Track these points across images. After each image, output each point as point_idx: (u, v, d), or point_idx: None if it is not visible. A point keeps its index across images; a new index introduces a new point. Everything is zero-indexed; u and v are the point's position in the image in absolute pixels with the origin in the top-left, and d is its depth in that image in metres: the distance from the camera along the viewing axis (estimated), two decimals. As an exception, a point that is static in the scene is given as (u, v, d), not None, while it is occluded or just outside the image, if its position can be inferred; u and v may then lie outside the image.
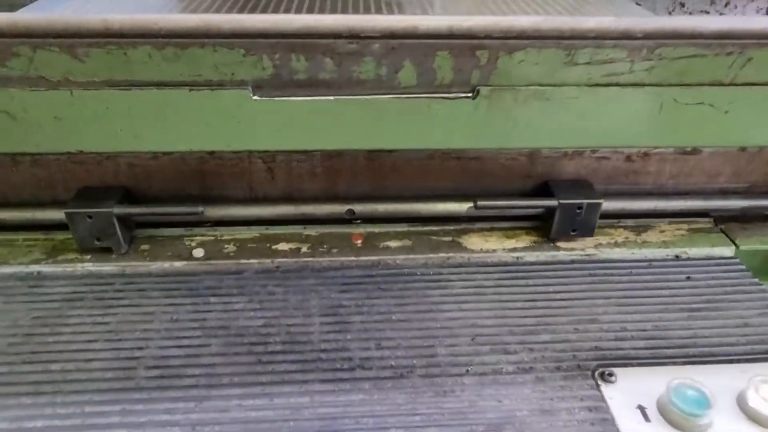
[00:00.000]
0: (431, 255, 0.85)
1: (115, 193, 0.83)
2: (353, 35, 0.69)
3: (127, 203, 0.84)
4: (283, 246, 0.87)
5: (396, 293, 0.79)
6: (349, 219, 0.89)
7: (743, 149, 0.90)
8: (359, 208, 0.88)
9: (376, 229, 0.90)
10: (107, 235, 0.81)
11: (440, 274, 0.83)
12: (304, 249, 0.86)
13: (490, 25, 0.69)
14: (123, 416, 0.62)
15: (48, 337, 0.71)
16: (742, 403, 0.64)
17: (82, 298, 0.77)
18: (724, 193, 0.94)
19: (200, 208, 0.84)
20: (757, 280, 0.82)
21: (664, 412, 0.63)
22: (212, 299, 0.77)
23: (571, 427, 0.61)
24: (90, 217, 0.79)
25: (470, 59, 0.72)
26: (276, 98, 0.74)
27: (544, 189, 0.90)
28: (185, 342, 0.71)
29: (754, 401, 0.63)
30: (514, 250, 0.87)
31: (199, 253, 0.85)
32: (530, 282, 0.81)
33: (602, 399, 0.64)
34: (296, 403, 0.63)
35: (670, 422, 0.62)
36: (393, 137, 0.79)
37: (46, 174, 0.85)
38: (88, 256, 0.84)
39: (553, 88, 0.75)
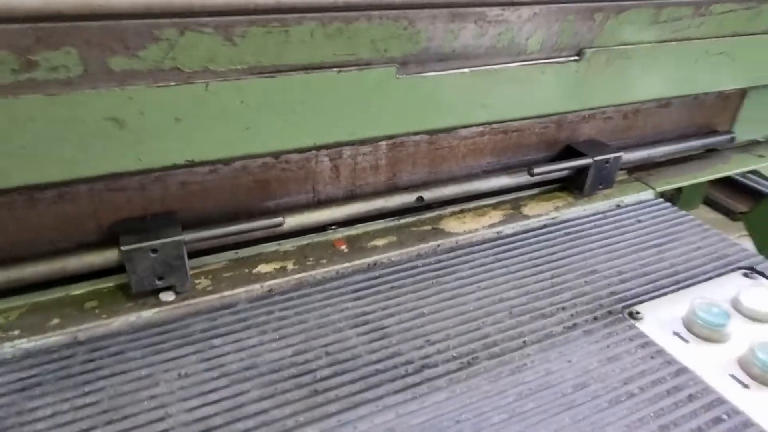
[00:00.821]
0: (422, 245, 0.82)
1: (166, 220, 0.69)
2: (507, 2, 0.70)
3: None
4: (264, 268, 0.76)
5: (411, 288, 0.74)
6: (418, 207, 0.87)
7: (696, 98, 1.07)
8: (427, 194, 0.86)
9: (353, 231, 0.84)
10: (173, 270, 0.65)
11: (440, 261, 0.80)
12: (291, 266, 0.76)
13: None
14: (190, 503, 0.47)
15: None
16: (737, 306, 0.74)
17: (40, 382, 0.58)
18: (699, 135, 1.11)
19: (281, 219, 0.74)
20: (684, 211, 0.95)
21: (693, 329, 0.70)
22: (216, 341, 0.64)
23: (640, 365, 0.64)
24: (155, 251, 0.62)
25: (587, 22, 0.78)
26: (420, 74, 0.71)
27: (569, 151, 0.97)
28: (214, 396, 0.57)
29: (747, 302, 0.73)
30: (492, 226, 0.88)
31: (168, 296, 0.70)
32: (522, 251, 0.83)
33: (644, 334, 0.69)
34: (383, 422, 0.56)
35: (702, 337, 0.69)
36: (508, 107, 0.81)
37: (74, 209, 0.65)
38: (16, 332, 0.63)
39: (636, 46, 0.84)
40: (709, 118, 1.14)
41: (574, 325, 0.70)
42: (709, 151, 1.18)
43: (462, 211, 0.91)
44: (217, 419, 0.55)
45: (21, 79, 0.51)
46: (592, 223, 0.91)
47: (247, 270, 0.75)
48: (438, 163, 0.88)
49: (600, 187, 0.97)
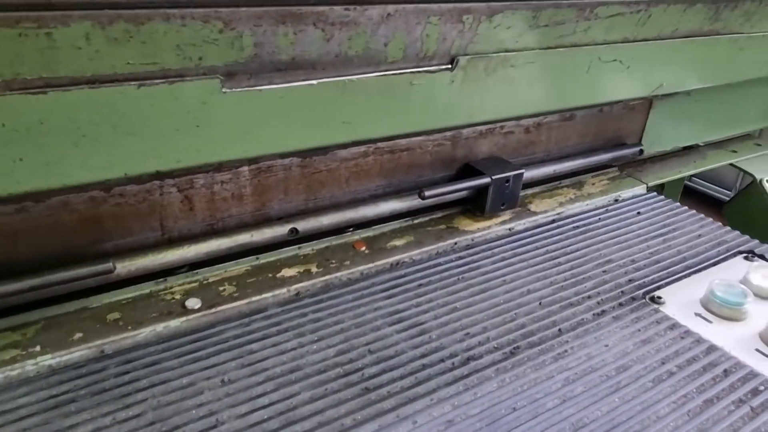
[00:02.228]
0: (440, 243, 0.83)
1: None
2: (351, 1, 0.62)
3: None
4: (288, 272, 0.74)
5: (439, 284, 0.74)
6: (293, 239, 0.76)
7: (601, 110, 1.05)
8: (302, 225, 0.75)
9: (371, 233, 0.84)
10: None
11: (461, 258, 0.80)
12: (314, 269, 0.75)
13: None
14: None
15: (62, 461, 0.48)
16: (747, 284, 0.77)
17: (73, 399, 0.54)
18: (609, 148, 1.11)
19: (109, 264, 0.62)
20: (678, 203, 1.00)
21: (713, 309, 0.72)
22: (254, 346, 0.62)
23: (672, 345, 0.66)
24: None
25: (456, 25, 0.71)
26: (252, 88, 0.61)
27: (468, 170, 0.90)
28: (264, 400, 0.55)
29: (757, 281, 0.77)
30: (503, 223, 0.89)
31: (194, 303, 0.67)
32: (537, 245, 0.85)
33: (669, 317, 0.71)
34: (441, 414, 0.55)
35: (723, 316, 0.72)
36: (373, 124, 0.73)
37: None
38: (37, 348, 0.59)
39: (517, 53, 0.80)
40: (616, 131, 1.10)
41: (603, 312, 0.71)
42: (686, 149, 1.24)
43: (446, 216, 0.92)
44: (272, 423, 0.53)
45: None
46: (597, 217, 0.94)
47: (270, 275, 0.73)
48: (316, 189, 0.78)
49: (502, 207, 0.90)
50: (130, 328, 0.63)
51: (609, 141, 1.11)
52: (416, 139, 0.84)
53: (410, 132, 0.80)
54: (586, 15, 0.82)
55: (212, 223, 0.73)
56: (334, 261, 0.77)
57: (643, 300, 0.74)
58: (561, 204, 0.96)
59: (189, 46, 0.55)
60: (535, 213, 0.93)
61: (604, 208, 0.97)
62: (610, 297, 0.74)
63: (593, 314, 0.70)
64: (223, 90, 0.59)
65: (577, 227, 0.90)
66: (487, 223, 0.88)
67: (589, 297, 0.74)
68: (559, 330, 0.67)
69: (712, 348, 0.66)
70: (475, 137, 0.91)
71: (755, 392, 0.60)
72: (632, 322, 0.69)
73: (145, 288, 0.68)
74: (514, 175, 0.89)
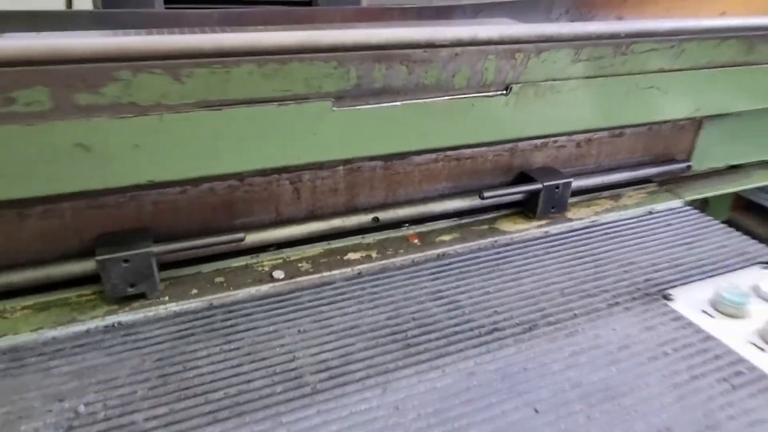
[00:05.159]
0: (482, 240, 0.97)
1: (141, 235, 0.79)
2: (428, 45, 0.80)
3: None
4: (353, 255, 0.91)
5: (476, 273, 0.89)
6: (374, 227, 0.96)
7: (650, 128, 1.18)
8: (382, 215, 0.96)
9: (423, 228, 0.99)
10: (144, 278, 0.77)
11: (498, 253, 0.94)
12: (374, 255, 0.92)
13: (526, 32, 0.86)
14: (324, 415, 0.62)
15: (186, 372, 0.67)
16: (757, 290, 0.86)
17: (192, 333, 0.73)
18: (657, 163, 1.22)
19: (242, 235, 0.84)
20: (710, 217, 1.08)
21: (718, 308, 0.82)
22: (323, 308, 0.79)
23: (672, 333, 0.77)
24: (126, 261, 0.75)
25: (509, 61, 0.87)
26: (353, 108, 0.81)
27: (523, 177, 1.06)
28: (329, 346, 0.72)
29: (766, 287, 0.86)
30: (540, 226, 1.03)
31: (279, 274, 0.85)
32: (568, 246, 0.97)
33: (676, 311, 0.82)
34: (465, 367, 0.70)
35: (727, 313, 0.81)
36: (442, 136, 0.90)
37: (60, 224, 0.78)
38: (166, 298, 0.79)
39: (562, 81, 0.94)
40: (666, 147, 1.21)
41: (617, 303, 0.83)
42: (735, 167, 1.31)
43: (507, 217, 1.06)
44: (333, 362, 0.70)
45: (2, 111, 0.63)
46: (628, 226, 1.05)
47: (338, 257, 0.91)
48: (394, 187, 0.98)
49: (553, 210, 1.04)
50: (231, 288, 0.82)
51: (659, 157, 1.22)
52: (478, 149, 1.02)
53: (472, 143, 0.99)
54: (623, 51, 0.95)
55: (313, 210, 0.94)
56: (390, 249, 0.93)
57: (656, 296, 0.85)
58: (596, 213, 1.08)
59: (313, 78, 0.75)
60: (571, 219, 1.05)
61: (638, 218, 1.07)
62: (626, 292, 0.86)
63: (607, 304, 0.83)
64: (333, 109, 0.79)
65: (608, 234, 1.02)
66: (526, 225, 1.02)
67: (606, 291, 0.86)
68: (575, 314, 0.80)
69: (708, 338, 0.76)
70: (531, 149, 1.07)
71: (738, 374, 0.70)
72: (641, 312, 0.81)
73: (242, 261, 0.88)
74: (563, 183, 1.04)
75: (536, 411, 0.64)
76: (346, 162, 0.93)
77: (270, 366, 0.69)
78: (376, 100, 0.82)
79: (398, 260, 0.91)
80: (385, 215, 0.96)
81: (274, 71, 0.73)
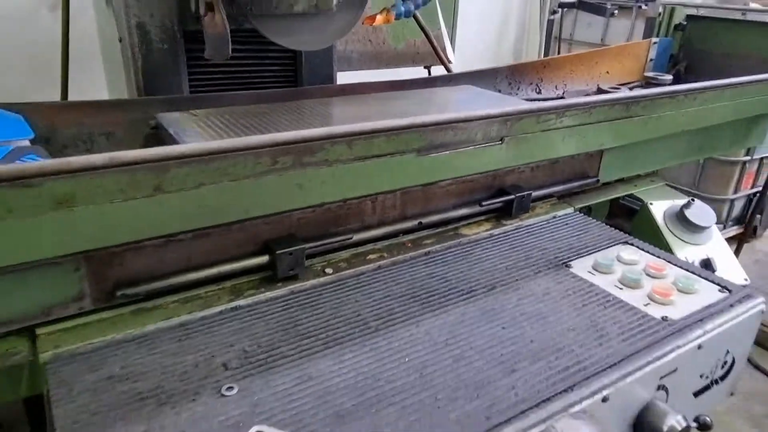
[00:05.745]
0: (451, 242, 1.48)
1: (293, 237, 1.25)
2: (464, 120, 1.32)
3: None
4: (371, 256, 1.39)
5: (452, 261, 1.39)
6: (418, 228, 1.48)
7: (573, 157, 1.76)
8: (424, 220, 1.48)
9: (412, 236, 1.49)
10: (298, 265, 1.23)
11: (464, 248, 1.45)
12: (386, 255, 1.39)
13: (509, 110, 1.40)
14: (387, 341, 1.09)
15: (308, 323, 1.11)
16: (620, 257, 1.42)
17: (310, 300, 1.18)
18: (578, 179, 1.79)
19: (351, 235, 1.34)
20: (592, 218, 1.66)
21: (597, 269, 1.37)
22: (366, 286, 1.26)
23: (572, 283, 1.30)
24: (290, 254, 1.20)
25: (504, 125, 1.41)
26: (428, 155, 1.30)
27: (499, 192, 1.60)
28: (377, 305, 1.19)
29: (625, 254, 1.42)
30: (487, 230, 1.55)
31: (330, 270, 1.31)
32: (504, 241, 1.50)
33: (574, 273, 1.36)
34: (458, 311, 1.19)
35: (601, 271, 1.37)
36: (454, 172, 1.44)
37: (243, 236, 1.21)
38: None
39: (532, 134, 1.49)
40: (583, 168, 1.81)
41: (539, 271, 1.36)
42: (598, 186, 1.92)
43: (468, 225, 1.58)
44: (383, 314, 1.16)
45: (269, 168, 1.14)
46: (542, 227, 1.60)
47: (363, 257, 1.38)
48: (429, 202, 1.50)
49: (521, 213, 1.62)
50: (331, 272, 1.27)
51: (579, 175, 1.80)
52: (476, 176, 1.53)
53: (475, 173, 1.50)
54: (561, 115, 1.51)
55: (381, 219, 1.41)
56: (393, 252, 1.42)
57: (561, 266, 1.39)
58: (521, 219, 1.62)
59: (404, 142, 1.23)
60: (504, 224, 1.59)
61: (547, 221, 1.63)
62: (543, 265, 1.39)
63: (534, 272, 1.35)
64: (417, 157, 1.26)
65: (529, 232, 1.56)
66: (477, 230, 1.54)
67: (532, 265, 1.39)
68: (516, 279, 1.32)
69: (592, 285, 1.30)
70: (505, 174, 1.60)
71: (607, 300, 1.24)
72: (554, 275, 1.34)
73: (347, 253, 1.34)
74: (526, 194, 1.60)
75: (503, 328, 1.14)
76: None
77: (346, 317, 1.14)
78: (438, 151, 1.32)
79: (401, 257, 1.39)
80: (426, 220, 1.47)
81: (393, 139, 1.21)
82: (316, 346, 1.07)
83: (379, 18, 1.57)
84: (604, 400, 0.99)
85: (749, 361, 3.43)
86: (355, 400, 0.94)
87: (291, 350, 1.05)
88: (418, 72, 2.31)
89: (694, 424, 1.13)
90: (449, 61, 1.91)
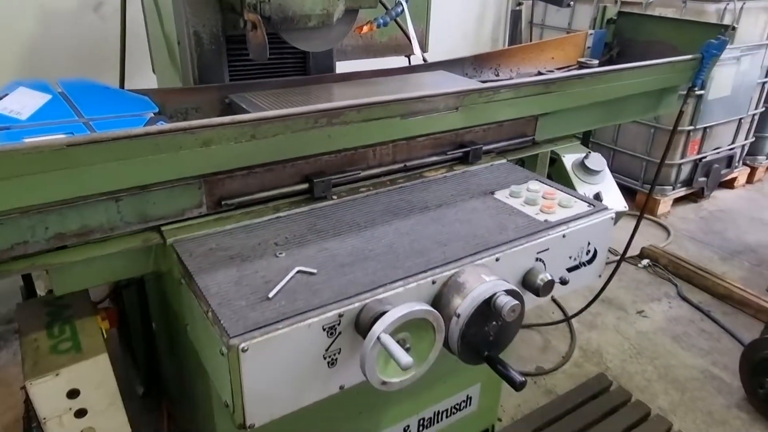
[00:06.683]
0: (416, 181, 2.17)
1: (323, 172, 1.95)
2: (433, 95, 2.01)
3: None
4: (363, 189, 2.08)
5: (414, 191, 2.09)
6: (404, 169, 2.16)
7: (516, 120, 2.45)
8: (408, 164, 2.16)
9: (391, 177, 2.19)
10: (328, 190, 1.93)
11: (425, 185, 2.15)
12: (371, 188, 2.10)
13: (462, 87, 2.08)
14: (378, 230, 1.80)
15: (328, 222, 1.82)
16: (528, 188, 2.12)
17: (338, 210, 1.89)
18: (519, 137, 2.49)
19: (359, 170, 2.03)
20: (519, 167, 2.35)
21: (513, 196, 2.08)
22: (377, 201, 1.96)
23: (494, 204, 2.01)
24: (323, 181, 1.91)
25: (457, 99, 2.09)
26: (408, 118, 2.00)
27: (460, 146, 2.28)
28: (372, 211, 1.89)
29: (531, 185, 2.12)
30: (443, 173, 2.25)
31: (339, 194, 2.02)
32: (457, 180, 2.20)
33: (497, 199, 2.06)
34: (422, 216, 1.89)
35: (514, 197, 2.07)
36: (434, 127, 2.11)
37: (293, 170, 1.91)
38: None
39: (481, 104, 2.17)
40: (524, 130, 2.47)
41: (473, 196, 2.06)
42: (533, 144, 2.61)
43: (429, 170, 2.27)
44: (380, 215, 1.87)
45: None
46: (479, 171, 2.29)
47: (384, 180, 2.08)
48: (412, 151, 2.17)
49: (476, 160, 2.29)
50: (342, 195, 1.98)
51: (521, 135, 2.47)
52: (442, 133, 2.20)
53: (440, 130, 2.17)
54: (495, 92, 2.19)
55: (380, 162, 2.10)
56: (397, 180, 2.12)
57: (489, 194, 2.09)
58: (467, 166, 2.32)
59: (397, 108, 1.92)
60: (455, 170, 2.28)
61: (486, 167, 2.32)
62: (477, 193, 2.09)
63: (470, 197, 2.05)
64: (400, 120, 1.96)
65: (474, 174, 2.26)
66: (437, 173, 2.24)
67: (468, 193, 2.09)
68: (456, 201, 2.02)
69: (505, 204, 2.01)
70: (464, 134, 2.28)
71: (512, 213, 1.95)
72: (483, 200, 2.04)
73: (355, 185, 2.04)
74: (479, 147, 2.28)
75: (443, 226, 1.85)
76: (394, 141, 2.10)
77: (345, 221, 1.85)
78: (414, 115, 2.00)
79: (382, 190, 2.09)
80: (409, 164, 2.16)
81: (385, 108, 1.89)
82: (328, 235, 1.78)
83: (365, 28, 2.25)
84: (497, 260, 1.71)
85: (678, 294, 4.16)
86: (351, 258, 1.65)
87: (313, 237, 1.76)
88: (400, 61, 3.00)
89: (558, 280, 1.85)
90: (413, 54, 2.61)
